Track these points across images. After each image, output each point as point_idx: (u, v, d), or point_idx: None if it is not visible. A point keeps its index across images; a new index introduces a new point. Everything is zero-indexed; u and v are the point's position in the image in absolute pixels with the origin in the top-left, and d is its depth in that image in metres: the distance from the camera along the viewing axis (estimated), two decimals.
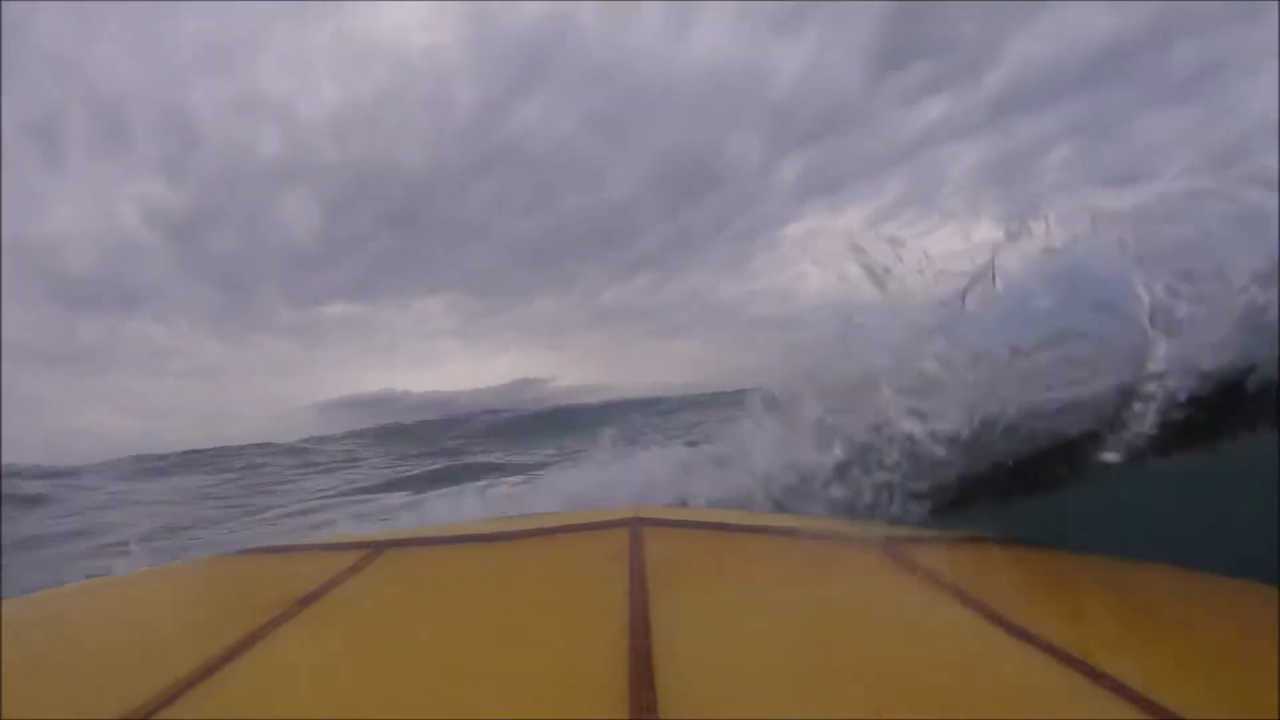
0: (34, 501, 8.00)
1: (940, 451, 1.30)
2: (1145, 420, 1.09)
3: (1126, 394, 1.12)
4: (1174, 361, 1.09)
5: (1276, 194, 1.12)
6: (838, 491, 1.47)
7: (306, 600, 0.74)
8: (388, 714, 0.50)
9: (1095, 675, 0.54)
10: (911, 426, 1.35)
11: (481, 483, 5.31)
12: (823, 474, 1.53)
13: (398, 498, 5.79)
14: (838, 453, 1.51)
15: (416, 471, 8.25)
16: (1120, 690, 0.51)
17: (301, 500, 6.78)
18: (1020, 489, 1.24)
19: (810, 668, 0.56)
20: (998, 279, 1.32)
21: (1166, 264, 1.15)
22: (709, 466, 2.04)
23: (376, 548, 0.94)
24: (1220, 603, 0.82)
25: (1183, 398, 1.07)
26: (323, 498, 6.85)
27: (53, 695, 0.57)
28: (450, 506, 3.47)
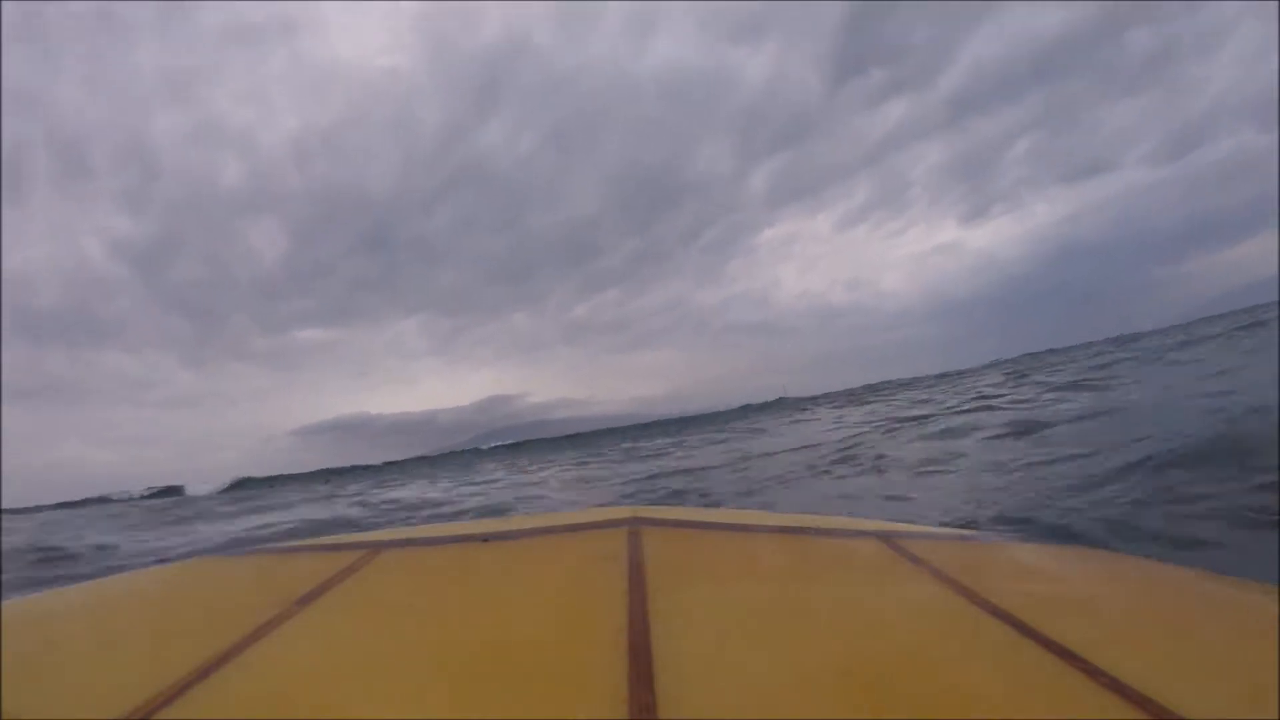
0: None
1: None
2: None
3: None
4: None
5: None
6: None
7: (305, 600, 0.74)
8: (387, 714, 0.50)
9: (1095, 673, 0.54)
10: None
11: None
12: None
13: None
14: None
15: None
16: (1120, 689, 0.51)
17: None
18: None
19: (810, 667, 0.56)
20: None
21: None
22: None
23: (375, 548, 0.94)
24: (1220, 602, 0.82)
25: None
26: None
27: (53, 695, 0.57)
28: None
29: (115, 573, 1.12)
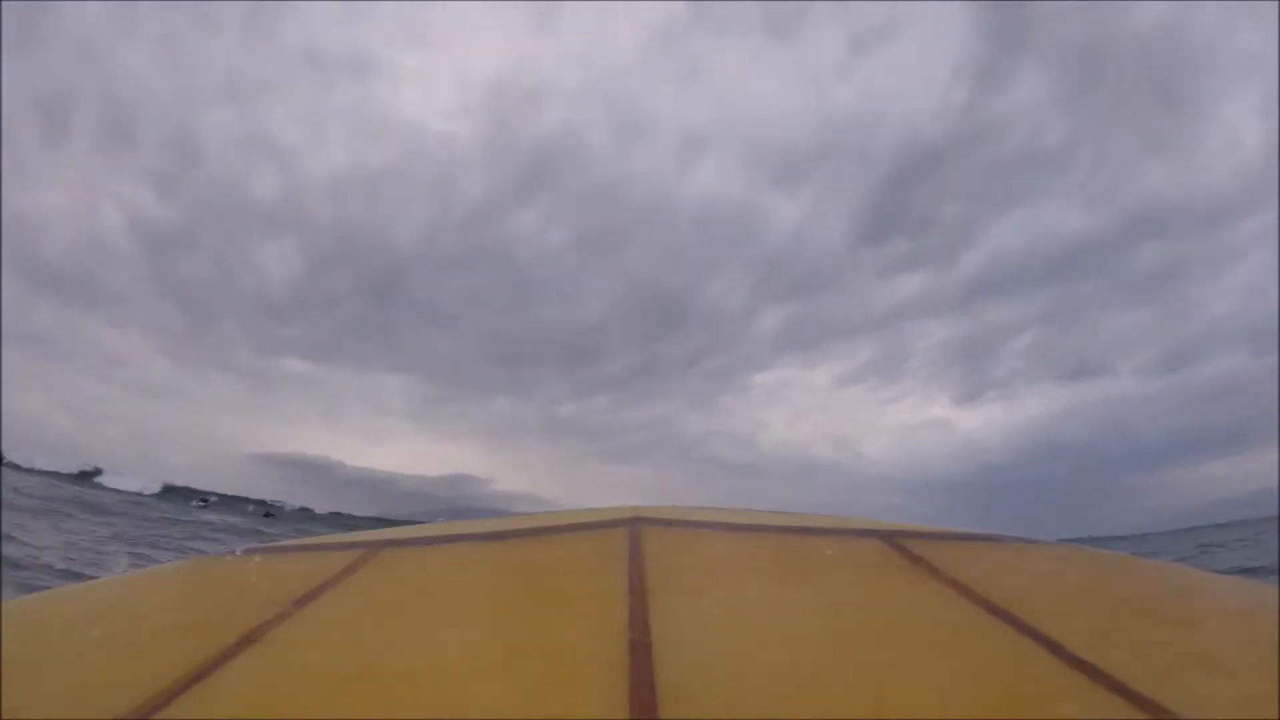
0: None
1: None
2: None
3: None
4: None
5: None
6: None
7: (303, 600, 0.74)
8: (386, 714, 0.50)
9: (1095, 673, 0.54)
10: None
11: None
12: None
13: None
14: None
15: None
16: (1120, 689, 0.51)
17: None
18: None
19: (810, 667, 0.56)
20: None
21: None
22: None
23: (374, 548, 0.94)
24: (1220, 602, 0.82)
25: None
26: None
27: (53, 695, 0.57)
28: None
29: None
